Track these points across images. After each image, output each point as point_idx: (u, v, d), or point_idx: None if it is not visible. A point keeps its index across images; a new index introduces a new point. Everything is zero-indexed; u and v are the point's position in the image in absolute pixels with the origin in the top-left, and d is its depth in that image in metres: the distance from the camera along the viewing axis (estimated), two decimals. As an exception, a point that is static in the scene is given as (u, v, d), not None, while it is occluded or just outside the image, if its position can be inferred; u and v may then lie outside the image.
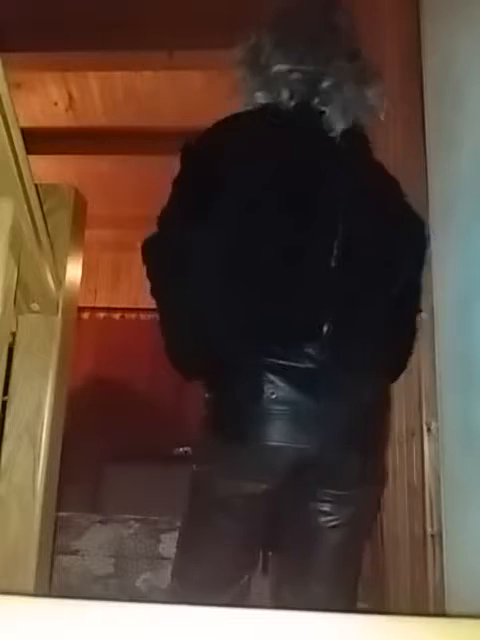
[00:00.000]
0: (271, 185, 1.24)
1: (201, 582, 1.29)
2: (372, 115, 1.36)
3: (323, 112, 1.29)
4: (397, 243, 1.34)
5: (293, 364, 1.22)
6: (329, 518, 1.28)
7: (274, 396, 1.20)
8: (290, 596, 1.33)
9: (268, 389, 1.20)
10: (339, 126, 1.28)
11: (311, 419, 1.22)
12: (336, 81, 1.30)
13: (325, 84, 1.29)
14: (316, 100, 1.29)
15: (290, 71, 1.30)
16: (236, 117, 1.31)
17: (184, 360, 1.33)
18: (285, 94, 1.29)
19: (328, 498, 1.27)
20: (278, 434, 1.21)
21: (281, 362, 1.21)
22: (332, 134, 1.29)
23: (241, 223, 1.24)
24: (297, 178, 1.26)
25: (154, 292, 1.31)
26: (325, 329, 1.23)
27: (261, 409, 1.20)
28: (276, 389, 1.20)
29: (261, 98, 1.32)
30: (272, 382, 1.20)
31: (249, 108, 1.33)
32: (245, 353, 1.23)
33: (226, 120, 1.30)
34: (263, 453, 1.22)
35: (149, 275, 1.31)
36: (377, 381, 1.32)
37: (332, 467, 1.26)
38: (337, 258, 1.24)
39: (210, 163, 1.27)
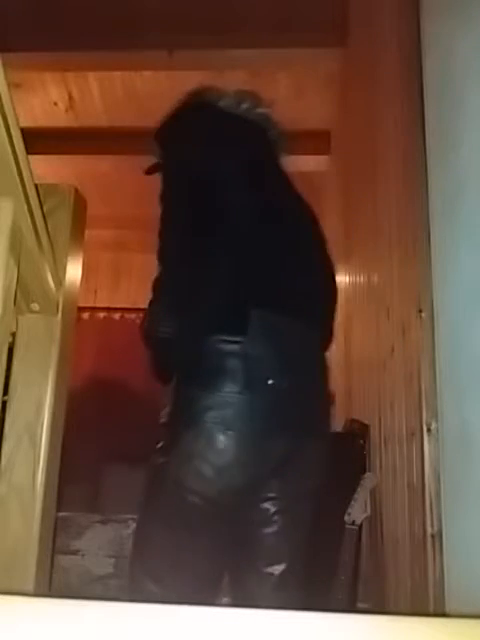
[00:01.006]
0: (242, 167, 1.41)
1: (176, 582, 1.26)
2: None
3: (267, 115, 1.55)
4: (318, 227, 1.56)
5: (286, 346, 1.24)
6: (272, 504, 1.30)
7: (271, 382, 1.18)
8: (239, 589, 1.34)
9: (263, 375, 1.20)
10: (277, 127, 1.55)
11: (288, 407, 1.23)
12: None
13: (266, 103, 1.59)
14: (261, 106, 1.55)
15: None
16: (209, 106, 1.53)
17: (164, 313, 1.33)
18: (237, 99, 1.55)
19: (275, 488, 1.30)
20: (259, 428, 1.21)
21: (273, 342, 1.23)
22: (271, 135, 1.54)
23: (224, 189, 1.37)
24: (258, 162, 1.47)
25: (164, 218, 1.38)
26: (319, 307, 1.30)
27: (233, 398, 1.20)
28: (270, 374, 1.20)
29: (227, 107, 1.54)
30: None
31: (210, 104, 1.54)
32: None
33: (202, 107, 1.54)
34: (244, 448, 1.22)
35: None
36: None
37: (294, 456, 1.27)
38: (301, 242, 1.42)
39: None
